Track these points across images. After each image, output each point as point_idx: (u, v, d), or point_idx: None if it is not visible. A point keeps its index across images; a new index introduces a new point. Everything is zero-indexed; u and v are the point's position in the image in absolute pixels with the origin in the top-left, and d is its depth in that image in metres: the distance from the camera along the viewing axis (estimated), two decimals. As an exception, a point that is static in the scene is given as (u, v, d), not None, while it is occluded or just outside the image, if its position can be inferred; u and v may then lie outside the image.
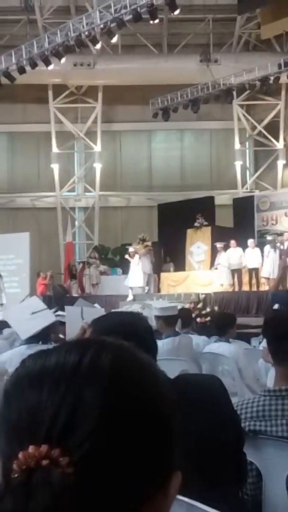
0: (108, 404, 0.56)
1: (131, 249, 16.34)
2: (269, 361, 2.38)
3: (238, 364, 4.65)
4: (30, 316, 4.33)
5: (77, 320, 4.51)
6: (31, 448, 0.53)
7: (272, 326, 2.38)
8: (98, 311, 5.29)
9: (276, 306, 10.10)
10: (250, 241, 15.12)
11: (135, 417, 0.57)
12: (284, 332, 2.24)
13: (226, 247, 15.06)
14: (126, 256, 16.40)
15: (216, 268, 15.04)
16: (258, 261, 14.70)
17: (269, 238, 15.17)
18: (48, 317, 4.49)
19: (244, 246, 15.03)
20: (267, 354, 2.34)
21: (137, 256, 15.88)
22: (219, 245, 15.22)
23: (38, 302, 4.90)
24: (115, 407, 0.56)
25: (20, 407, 0.57)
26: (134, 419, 0.57)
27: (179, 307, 7.02)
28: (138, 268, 15.67)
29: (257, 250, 14.89)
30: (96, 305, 7.37)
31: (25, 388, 0.58)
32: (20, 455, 0.53)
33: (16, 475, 0.53)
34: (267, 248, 14.50)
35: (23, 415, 0.56)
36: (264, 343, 4.75)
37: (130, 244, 18.68)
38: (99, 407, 0.56)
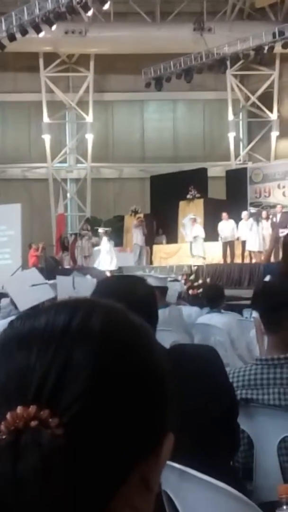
0: (99, 365, 0.55)
1: (100, 230, 16.03)
2: (259, 332, 2.40)
3: (230, 335, 4.69)
4: (30, 288, 4.37)
5: (68, 290, 4.52)
6: (19, 409, 0.52)
7: (262, 298, 2.40)
8: (89, 281, 5.30)
9: (267, 278, 10.12)
10: (244, 213, 15.07)
11: (126, 378, 0.56)
12: (275, 302, 2.26)
13: (196, 220, 15.21)
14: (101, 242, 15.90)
15: (191, 241, 15.09)
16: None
17: (252, 211, 15.10)
18: (47, 292, 4.52)
19: (236, 218, 15.00)
20: (259, 324, 2.36)
21: (105, 238, 15.55)
22: (191, 216, 15.38)
23: (38, 275, 4.96)
24: (105, 369, 0.55)
25: (8, 368, 0.56)
26: (125, 381, 0.56)
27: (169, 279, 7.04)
28: (106, 250, 15.33)
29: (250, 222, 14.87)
30: (87, 276, 7.39)
31: (14, 350, 0.57)
32: (8, 415, 0.53)
33: (4, 437, 0.52)
34: (250, 221, 14.42)
35: (11, 376, 0.55)
36: (255, 314, 4.78)
37: (122, 217, 18.60)
38: (89, 368, 0.55)
